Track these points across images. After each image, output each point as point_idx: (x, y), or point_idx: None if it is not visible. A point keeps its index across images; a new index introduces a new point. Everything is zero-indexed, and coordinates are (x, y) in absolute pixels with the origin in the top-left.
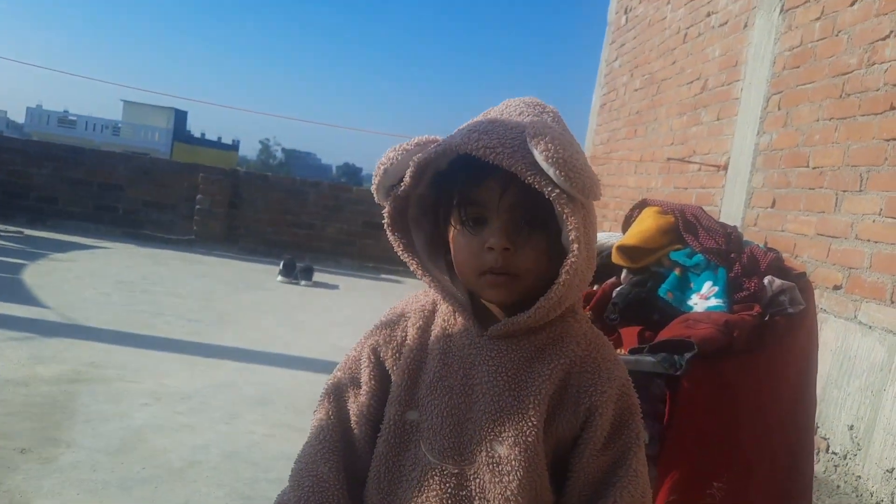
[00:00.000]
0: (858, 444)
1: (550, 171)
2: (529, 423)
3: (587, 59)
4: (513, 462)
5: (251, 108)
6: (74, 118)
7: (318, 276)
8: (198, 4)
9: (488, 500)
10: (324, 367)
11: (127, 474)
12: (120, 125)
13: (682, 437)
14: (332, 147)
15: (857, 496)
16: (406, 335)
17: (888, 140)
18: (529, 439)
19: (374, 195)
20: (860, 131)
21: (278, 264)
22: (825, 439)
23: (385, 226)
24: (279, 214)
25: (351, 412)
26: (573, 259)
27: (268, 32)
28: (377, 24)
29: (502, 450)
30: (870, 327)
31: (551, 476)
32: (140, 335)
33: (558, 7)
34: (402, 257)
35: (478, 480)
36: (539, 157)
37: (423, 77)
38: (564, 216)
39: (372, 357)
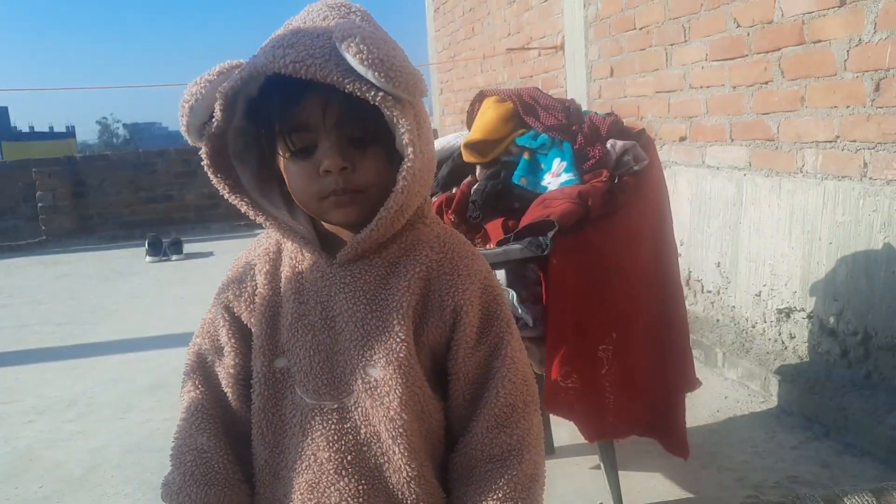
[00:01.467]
0: (727, 278)
1: (369, 74)
2: (398, 340)
3: None
4: (389, 382)
5: (81, 82)
6: None
7: (189, 247)
8: None
9: (373, 426)
10: None
11: (24, 498)
12: None
13: (561, 311)
14: (177, 111)
15: (734, 324)
16: (256, 284)
17: None
18: (401, 355)
19: (186, 137)
20: None
21: (143, 245)
22: (699, 281)
23: (205, 167)
24: (131, 193)
25: (219, 376)
26: (409, 164)
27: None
28: None
29: (376, 372)
30: (717, 168)
31: (437, 385)
32: (5, 353)
33: None
34: (229, 199)
35: (359, 409)
36: (353, 61)
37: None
38: (394, 119)
39: (226, 315)
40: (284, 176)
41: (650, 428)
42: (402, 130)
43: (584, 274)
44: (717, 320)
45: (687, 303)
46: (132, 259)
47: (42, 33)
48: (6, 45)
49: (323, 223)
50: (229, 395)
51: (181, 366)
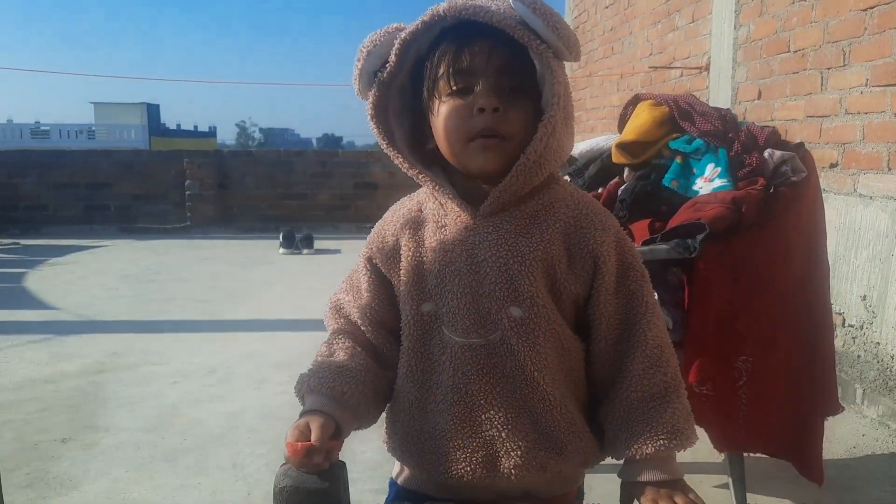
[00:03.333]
0: (873, 313)
1: (538, 24)
2: (539, 283)
3: None
4: (534, 319)
5: (224, 85)
6: (47, 128)
7: (318, 244)
8: None
9: (518, 360)
10: None
11: (170, 447)
12: (94, 128)
13: (703, 318)
14: (309, 120)
15: (878, 362)
16: (398, 239)
17: (865, 10)
18: (542, 296)
19: (355, 85)
20: (837, 6)
21: (277, 238)
22: (840, 314)
23: (368, 117)
24: (269, 189)
25: (354, 314)
26: (551, 114)
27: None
28: None
29: (519, 311)
30: (870, 198)
31: (578, 330)
32: (155, 321)
33: None
34: (385, 150)
35: (505, 344)
36: (527, 10)
37: None
38: (551, 70)
39: (368, 265)
40: (436, 123)
41: (784, 449)
42: (553, 81)
43: (731, 282)
44: (859, 356)
45: None
46: (267, 249)
47: (197, 28)
48: (161, 44)
49: (459, 180)
50: (362, 327)
51: (308, 350)
